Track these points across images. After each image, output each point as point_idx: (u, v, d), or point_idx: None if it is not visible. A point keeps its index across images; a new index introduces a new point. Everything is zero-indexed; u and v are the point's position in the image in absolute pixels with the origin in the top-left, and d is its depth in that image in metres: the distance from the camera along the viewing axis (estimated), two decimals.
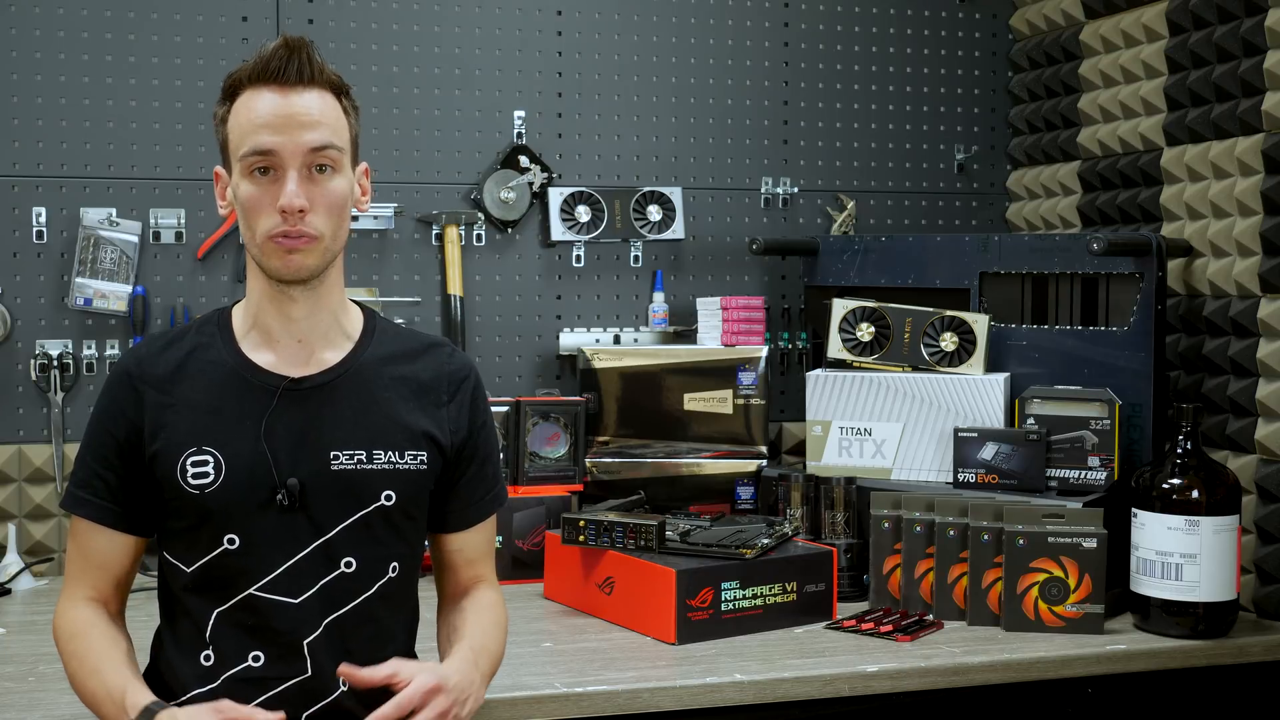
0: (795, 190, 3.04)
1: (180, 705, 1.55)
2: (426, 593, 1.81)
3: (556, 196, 2.88)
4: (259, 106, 1.61)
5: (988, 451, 2.42)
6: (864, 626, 2.23)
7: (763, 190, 3.03)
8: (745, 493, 2.75)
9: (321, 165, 1.62)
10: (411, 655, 1.73)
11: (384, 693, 1.56)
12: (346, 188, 1.65)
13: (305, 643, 1.62)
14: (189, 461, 1.62)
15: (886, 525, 2.36)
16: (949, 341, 2.54)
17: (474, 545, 1.80)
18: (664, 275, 2.95)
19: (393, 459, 1.67)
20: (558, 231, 2.87)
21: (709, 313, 2.84)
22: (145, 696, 1.55)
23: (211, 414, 1.64)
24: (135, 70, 2.66)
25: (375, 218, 2.77)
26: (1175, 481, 2.20)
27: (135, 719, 1.52)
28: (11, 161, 2.60)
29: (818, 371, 2.61)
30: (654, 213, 2.92)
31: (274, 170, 1.60)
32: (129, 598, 1.74)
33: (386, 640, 1.68)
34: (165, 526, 1.67)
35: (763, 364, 2.78)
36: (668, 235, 2.93)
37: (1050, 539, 2.22)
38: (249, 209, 1.61)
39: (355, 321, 1.74)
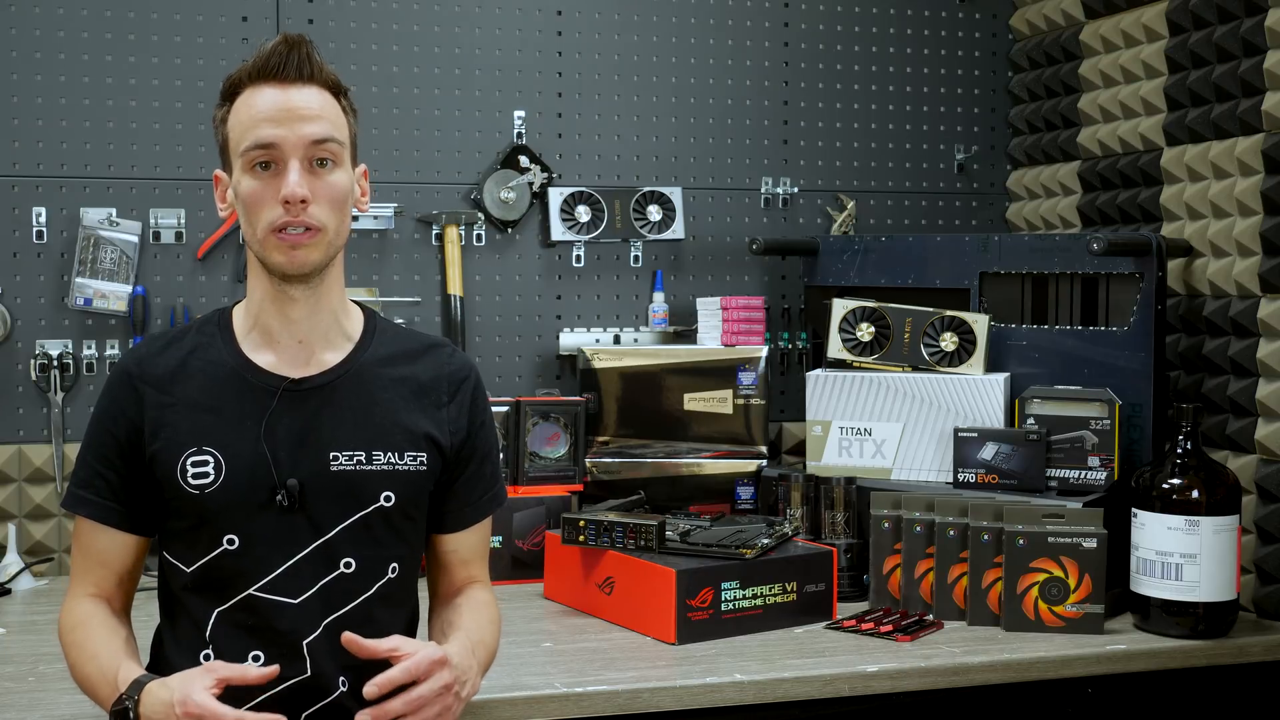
0: (795, 190, 3.04)
1: None
2: (425, 593, 1.81)
3: (556, 196, 2.88)
4: (259, 102, 1.61)
5: (988, 451, 2.42)
6: (864, 626, 2.23)
7: (763, 190, 3.03)
8: (745, 493, 2.75)
9: (322, 159, 1.62)
10: None
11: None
12: (348, 183, 1.66)
13: (305, 643, 1.62)
14: (189, 461, 1.62)
15: (886, 525, 2.36)
16: (949, 341, 2.54)
17: (470, 546, 1.80)
18: (664, 275, 2.95)
19: (392, 460, 1.67)
20: (558, 231, 2.87)
21: (709, 313, 2.84)
22: (137, 672, 1.55)
23: (212, 414, 1.64)
24: (135, 70, 2.66)
25: (375, 218, 2.77)
26: (1175, 481, 2.20)
27: (126, 691, 1.53)
28: (11, 161, 2.60)
29: (818, 371, 2.61)
30: (654, 213, 2.92)
31: (275, 164, 1.60)
32: None
33: None
34: (165, 526, 1.67)
35: (763, 364, 2.78)
36: (668, 235, 2.93)
37: (1050, 539, 2.21)
38: (250, 204, 1.62)
39: (355, 322, 1.74)
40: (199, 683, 1.48)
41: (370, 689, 1.50)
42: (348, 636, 1.54)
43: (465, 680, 1.59)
